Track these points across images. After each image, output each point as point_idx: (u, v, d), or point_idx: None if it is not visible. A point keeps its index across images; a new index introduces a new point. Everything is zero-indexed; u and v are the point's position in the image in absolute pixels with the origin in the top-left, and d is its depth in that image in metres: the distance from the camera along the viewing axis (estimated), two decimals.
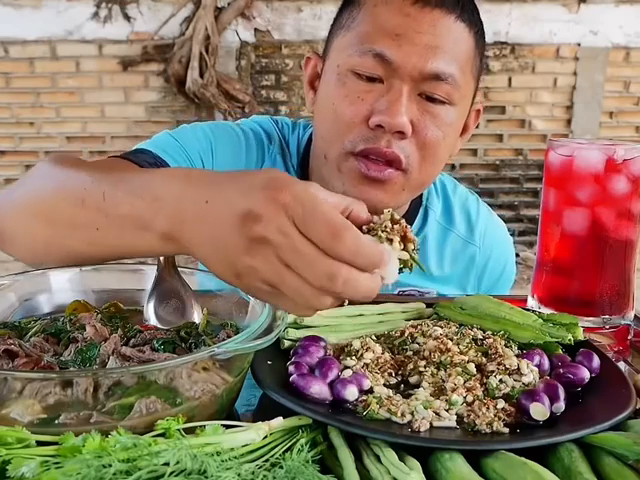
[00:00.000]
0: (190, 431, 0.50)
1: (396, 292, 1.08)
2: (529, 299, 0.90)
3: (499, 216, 1.28)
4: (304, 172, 1.10)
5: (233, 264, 0.56)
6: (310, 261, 0.53)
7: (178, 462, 0.45)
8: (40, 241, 0.74)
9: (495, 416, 0.57)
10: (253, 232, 0.54)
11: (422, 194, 1.14)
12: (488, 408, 0.58)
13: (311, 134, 1.11)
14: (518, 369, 0.64)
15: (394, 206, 0.94)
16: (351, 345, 0.68)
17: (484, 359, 0.66)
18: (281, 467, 0.49)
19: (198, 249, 0.60)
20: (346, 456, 0.51)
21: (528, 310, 0.78)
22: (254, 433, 0.51)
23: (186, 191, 0.61)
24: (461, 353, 0.66)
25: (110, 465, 0.43)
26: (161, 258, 0.74)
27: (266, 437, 0.52)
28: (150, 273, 0.75)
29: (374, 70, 0.90)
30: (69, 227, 0.69)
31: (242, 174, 0.61)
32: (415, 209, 1.13)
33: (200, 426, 0.51)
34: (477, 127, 1.09)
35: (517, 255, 4.15)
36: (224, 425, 0.51)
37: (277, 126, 1.14)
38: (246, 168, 1.05)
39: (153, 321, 0.71)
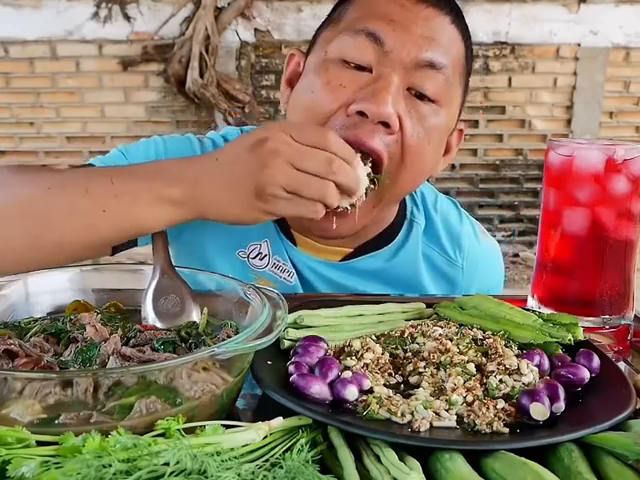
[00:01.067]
0: (190, 431, 0.50)
1: None
2: (529, 299, 0.90)
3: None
4: None
5: (253, 185, 0.72)
6: (312, 156, 0.71)
7: (178, 462, 0.45)
8: (26, 238, 0.75)
9: (495, 416, 0.57)
10: (264, 149, 0.71)
11: (406, 207, 1.07)
12: (488, 408, 0.58)
13: None
14: (518, 369, 0.64)
15: (357, 227, 0.89)
16: (351, 345, 0.68)
17: (484, 359, 0.66)
18: (281, 467, 0.49)
19: (212, 201, 0.74)
20: (346, 456, 0.51)
21: (528, 310, 0.78)
22: (254, 433, 0.51)
23: (191, 161, 0.77)
24: (461, 353, 0.66)
25: (110, 465, 0.43)
26: (158, 257, 0.75)
27: (266, 437, 0.52)
28: (150, 273, 0.75)
29: (365, 53, 0.84)
30: (68, 217, 0.74)
31: (231, 141, 0.79)
32: (398, 223, 1.06)
33: (200, 426, 0.51)
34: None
35: (517, 255, 4.15)
36: (224, 425, 0.51)
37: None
38: None
39: (151, 318, 0.71)
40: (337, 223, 0.85)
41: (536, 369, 0.65)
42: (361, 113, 0.82)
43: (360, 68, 0.85)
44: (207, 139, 1.07)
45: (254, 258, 1.02)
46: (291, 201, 0.73)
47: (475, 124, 4.10)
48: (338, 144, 0.73)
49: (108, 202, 0.73)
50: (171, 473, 0.44)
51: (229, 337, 0.63)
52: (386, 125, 0.82)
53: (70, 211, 0.74)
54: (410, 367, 0.66)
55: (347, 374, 0.63)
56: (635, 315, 0.86)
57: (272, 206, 0.74)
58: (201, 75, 3.81)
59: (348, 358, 0.66)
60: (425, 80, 0.85)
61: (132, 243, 0.97)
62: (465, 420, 0.58)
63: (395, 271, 1.05)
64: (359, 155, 0.78)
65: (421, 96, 0.86)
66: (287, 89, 0.97)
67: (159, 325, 0.71)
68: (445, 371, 0.64)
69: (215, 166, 0.74)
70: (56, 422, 0.51)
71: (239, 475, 0.46)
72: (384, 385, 0.64)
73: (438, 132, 0.89)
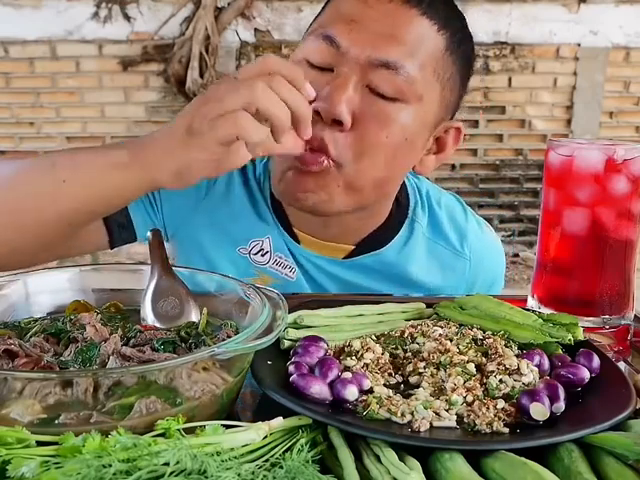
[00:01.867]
0: (190, 431, 0.50)
1: None
2: (529, 299, 0.90)
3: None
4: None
5: (185, 124, 0.71)
6: (244, 83, 0.69)
7: (178, 462, 0.45)
8: (5, 215, 0.79)
9: (495, 416, 0.57)
10: (209, 95, 0.71)
11: (409, 206, 1.08)
12: (488, 408, 0.58)
13: None
14: (518, 369, 0.64)
15: (331, 204, 0.90)
16: (351, 345, 0.68)
17: (484, 359, 0.66)
18: (281, 467, 0.49)
19: (155, 155, 0.74)
20: (346, 456, 0.51)
21: (528, 310, 0.78)
22: (254, 433, 0.51)
23: (138, 137, 0.79)
24: (461, 353, 0.66)
25: (110, 465, 0.43)
26: (154, 258, 0.75)
27: (266, 437, 0.52)
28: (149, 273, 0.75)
29: (323, 56, 0.86)
30: (35, 189, 0.78)
31: None
32: (399, 221, 1.07)
33: (200, 426, 0.51)
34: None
35: (517, 255, 4.15)
36: (224, 425, 0.51)
37: None
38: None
39: (150, 319, 0.71)
40: (309, 194, 0.88)
41: (536, 369, 0.65)
42: (317, 112, 0.83)
43: (323, 69, 0.87)
44: None
45: (256, 254, 1.03)
46: (213, 126, 0.69)
47: (475, 124, 4.10)
48: (279, 63, 0.71)
49: (68, 173, 0.76)
50: (171, 473, 0.44)
51: (229, 337, 0.63)
52: (339, 122, 0.84)
53: (37, 183, 0.79)
54: (410, 367, 0.66)
55: (347, 374, 0.63)
56: (635, 315, 0.86)
57: (199, 138, 0.71)
58: (201, 75, 3.81)
59: (348, 358, 0.66)
60: (380, 80, 0.85)
61: (130, 238, 1.01)
62: (465, 420, 0.58)
63: (399, 269, 1.06)
64: None
65: (381, 95, 0.86)
66: None
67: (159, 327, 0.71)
68: (445, 371, 0.64)
69: (164, 128, 0.76)
70: (56, 422, 0.51)
71: (239, 475, 0.46)
72: (384, 385, 0.64)
73: (401, 127, 0.88)
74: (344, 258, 1.04)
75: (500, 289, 1.19)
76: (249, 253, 1.03)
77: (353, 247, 1.04)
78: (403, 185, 1.07)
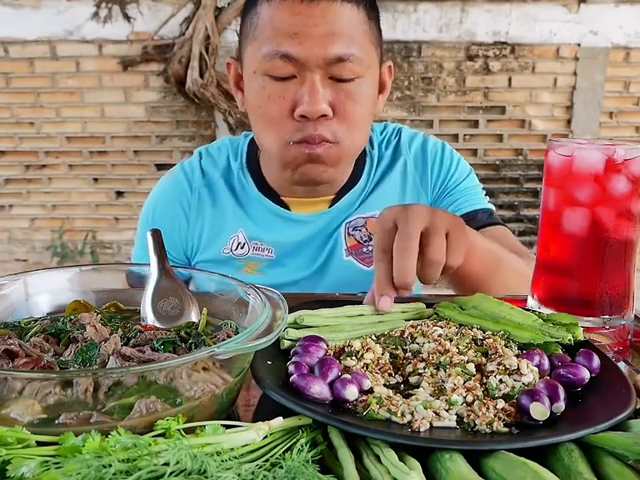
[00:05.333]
0: (190, 431, 0.50)
1: (344, 224, 1.20)
2: (529, 299, 0.90)
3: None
4: (253, 169, 1.23)
5: None
6: None
7: (178, 462, 0.45)
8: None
9: (495, 416, 0.57)
10: None
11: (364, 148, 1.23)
12: (488, 408, 0.58)
13: (252, 138, 1.24)
14: (518, 369, 0.64)
15: (337, 175, 1.13)
16: (351, 345, 0.68)
17: (484, 359, 0.66)
18: (281, 467, 0.49)
19: None
20: (346, 456, 0.51)
21: (528, 310, 0.78)
22: (254, 433, 0.51)
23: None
24: (460, 353, 0.66)
25: (110, 465, 0.43)
26: (156, 259, 0.75)
27: (266, 437, 0.52)
28: (149, 275, 0.75)
29: (285, 70, 1.01)
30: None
31: None
32: (362, 162, 1.24)
33: (200, 426, 0.51)
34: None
35: None
36: (224, 425, 0.51)
37: (203, 159, 1.27)
38: (184, 213, 1.24)
39: (150, 319, 0.71)
40: (322, 172, 1.09)
41: (536, 369, 0.65)
42: (303, 116, 1.02)
43: (287, 78, 1.02)
44: (186, 167, 1.26)
45: (236, 249, 1.20)
46: None
47: (475, 124, 4.10)
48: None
49: None
50: (171, 473, 0.44)
51: (229, 337, 0.63)
52: (324, 116, 1.02)
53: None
54: (410, 367, 0.66)
55: (347, 375, 0.63)
56: (635, 315, 0.86)
57: None
58: (201, 75, 3.80)
59: (348, 358, 0.66)
60: (338, 70, 1.02)
61: None
62: (465, 420, 0.58)
63: (372, 197, 1.22)
64: None
65: (342, 80, 1.03)
66: (238, 92, 1.17)
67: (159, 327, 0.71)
68: (445, 371, 0.64)
69: None
70: (56, 422, 0.51)
71: (239, 475, 0.46)
72: (384, 385, 0.64)
73: (366, 95, 1.07)
74: (329, 207, 1.21)
75: (465, 172, 1.37)
76: (231, 251, 1.20)
77: (333, 196, 1.21)
78: None
